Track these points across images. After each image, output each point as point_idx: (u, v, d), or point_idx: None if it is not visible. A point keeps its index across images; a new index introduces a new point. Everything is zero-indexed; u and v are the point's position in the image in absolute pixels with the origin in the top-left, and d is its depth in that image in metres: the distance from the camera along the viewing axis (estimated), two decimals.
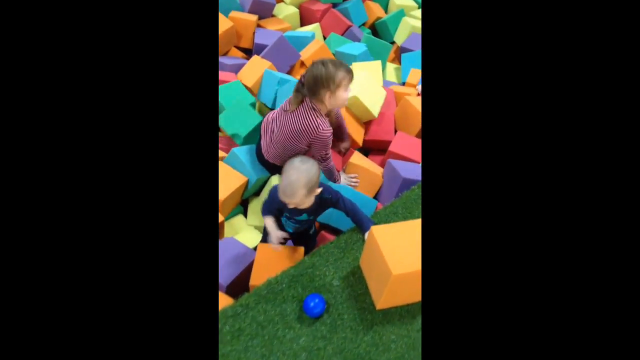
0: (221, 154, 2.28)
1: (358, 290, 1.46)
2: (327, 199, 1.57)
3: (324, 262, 1.53)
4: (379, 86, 2.52)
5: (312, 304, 1.36)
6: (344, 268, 1.52)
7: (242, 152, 2.20)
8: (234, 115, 2.41)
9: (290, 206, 1.51)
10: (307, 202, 1.48)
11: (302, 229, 1.74)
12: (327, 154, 1.94)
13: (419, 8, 3.82)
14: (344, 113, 2.33)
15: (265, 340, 1.32)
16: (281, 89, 2.58)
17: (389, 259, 1.30)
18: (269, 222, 1.62)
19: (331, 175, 2.04)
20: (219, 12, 3.04)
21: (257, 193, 2.29)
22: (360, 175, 2.14)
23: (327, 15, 3.44)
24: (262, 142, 2.05)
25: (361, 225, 1.59)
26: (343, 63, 1.78)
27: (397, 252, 1.31)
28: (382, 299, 1.37)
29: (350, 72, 1.78)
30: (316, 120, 1.81)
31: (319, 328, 1.36)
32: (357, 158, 2.20)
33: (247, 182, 2.11)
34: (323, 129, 1.82)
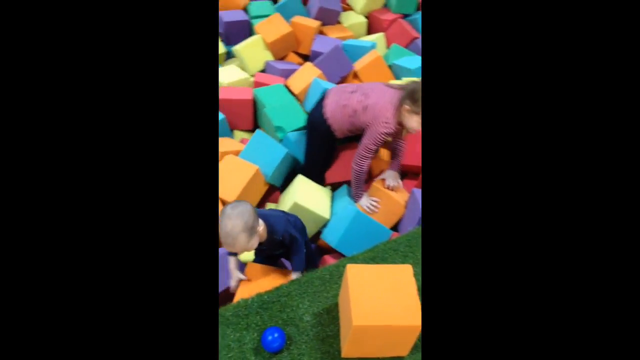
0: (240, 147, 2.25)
1: (328, 331, 1.32)
2: (279, 241, 1.53)
3: (300, 293, 1.41)
4: None
5: (270, 338, 1.25)
6: (320, 303, 1.39)
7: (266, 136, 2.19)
8: (284, 109, 2.41)
9: (239, 254, 1.51)
10: (254, 244, 1.42)
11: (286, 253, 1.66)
12: (368, 151, 1.86)
13: None
14: None
15: None
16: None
17: (355, 306, 1.14)
18: (231, 263, 1.59)
19: (356, 184, 1.93)
20: (281, 16, 3.03)
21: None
22: (383, 202, 1.98)
23: (393, 25, 3.28)
24: (334, 103, 2.02)
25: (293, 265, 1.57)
26: None
27: (367, 299, 1.15)
28: (346, 347, 1.22)
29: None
30: (388, 112, 1.81)
31: None
32: (382, 182, 2.04)
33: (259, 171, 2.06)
34: (386, 122, 1.81)
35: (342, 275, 1.45)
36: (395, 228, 2.01)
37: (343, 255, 1.83)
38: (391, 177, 2.04)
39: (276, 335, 1.25)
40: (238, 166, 2.03)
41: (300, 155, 2.28)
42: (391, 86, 1.93)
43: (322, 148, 2.16)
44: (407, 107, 1.78)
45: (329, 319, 1.35)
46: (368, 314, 1.12)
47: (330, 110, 2.01)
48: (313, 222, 1.97)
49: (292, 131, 2.36)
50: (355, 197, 1.99)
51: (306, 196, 1.96)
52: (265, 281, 1.57)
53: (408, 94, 1.78)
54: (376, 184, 2.02)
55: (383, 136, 1.84)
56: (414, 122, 1.79)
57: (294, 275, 1.56)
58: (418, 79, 1.92)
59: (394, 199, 1.96)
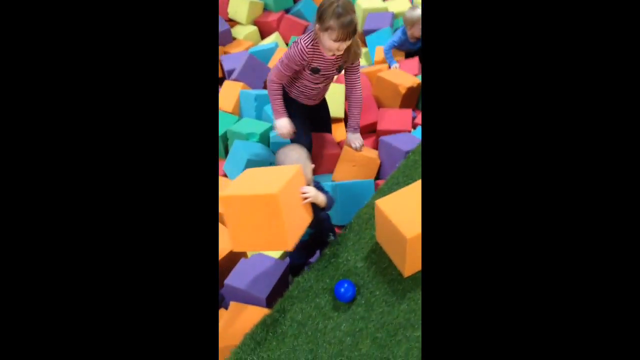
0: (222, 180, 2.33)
1: (382, 264, 1.50)
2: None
3: (343, 249, 1.58)
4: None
5: (342, 290, 1.41)
6: (363, 249, 1.56)
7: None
8: (245, 124, 2.53)
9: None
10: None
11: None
12: (282, 66, 1.93)
13: None
14: None
15: (309, 336, 1.36)
16: (261, 103, 2.64)
17: (400, 225, 1.33)
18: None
19: (272, 102, 2.03)
20: None
21: None
22: (357, 162, 2.18)
23: (282, 22, 3.51)
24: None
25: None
26: (347, 17, 1.72)
27: (406, 216, 1.35)
28: (407, 266, 1.41)
29: (342, 29, 1.72)
30: (304, 37, 1.87)
31: (355, 310, 1.40)
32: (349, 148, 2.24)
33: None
34: (297, 42, 1.87)
35: (368, 222, 1.64)
36: (378, 178, 2.23)
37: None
38: (353, 139, 2.13)
39: (346, 285, 1.41)
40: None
41: None
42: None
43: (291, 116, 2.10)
44: (317, 26, 1.78)
45: (377, 256, 1.53)
46: (413, 225, 1.32)
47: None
48: None
49: (262, 132, 2.46)
50: (275, 115, 2.06)
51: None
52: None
53: (317, 16, 1.78)
54: (345, 150, 2.21)
55: (293, 55, 1.87)
56: (326, 40, 1.77)
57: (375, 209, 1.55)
58: None
59: (366, 156, 2.17)
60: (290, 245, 1.32)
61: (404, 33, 2.83)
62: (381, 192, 1.73)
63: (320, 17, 1.77)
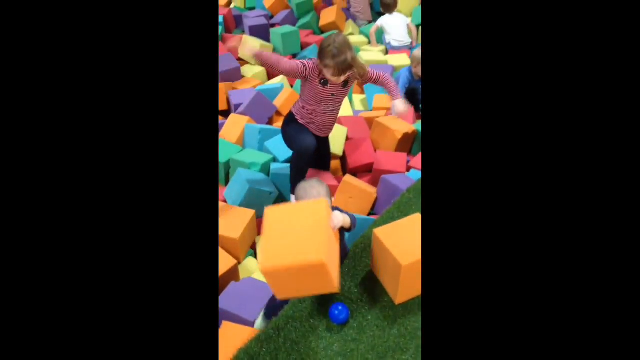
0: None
1: (376, 291, 1.58)
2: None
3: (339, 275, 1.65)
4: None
5: (336, 312, 1.47)
6: (358, 276, 1.64)
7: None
8: (247, 154, 2.64)
9: None
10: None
11: None
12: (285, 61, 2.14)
13: (369, 42, 4.16)
14: None
15: (301, 354, 1.41)
16: (264, 137, 2.78)
17: (396, 252, 1.43)
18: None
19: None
20: None
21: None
22: (354, 194, 2.28)
23: None
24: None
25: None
26: (341, 57, 1.94)
27: (402, 245, 1.44)
28: (399, 293, 1.49)
29: (337, 67, 1.95)
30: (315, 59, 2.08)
31: (347, 332, 1.46)
32: (350, 178, 2.35)
33: (255, 214, 2.22)
34: (312, 59, 2.11)
35: (364, 251, 1.73)
36: (374, 214, 2.34)
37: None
38: (398, 104, 2.27)
39: (340, 308, 1.48)
40: (231, 213, 2.21)
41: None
42: None
43: (295, 130, 2.28)
44: (318, 61, 2.03)
45: (371, 284, 1.61)
46: (409, 253, 1.42)
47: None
48: None
49: (263, 163, 2.59)
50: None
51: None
52: None
53: (318, 52, 2.02)
54: (345, 179, 2.32)
55: (297, 65, 2.08)
56: (328, 73, 2.01)
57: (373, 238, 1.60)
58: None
59: (364, 190, 2.29)
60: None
61: (410, 72, 3.07)
62: (377, 225, 1.84)
63: (319, 54, 2.01)
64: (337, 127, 2.59)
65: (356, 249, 1.74)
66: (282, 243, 1.21)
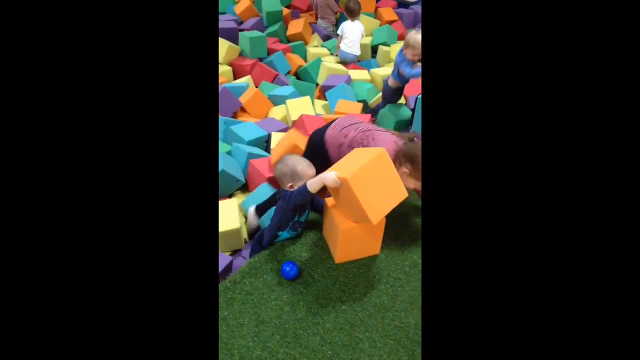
0: None
1: (322, 255, 1.81)
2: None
3: (291, 241, 1.87)
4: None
5: (287, 268, 1.69)
6: (308, 242, 1.87)
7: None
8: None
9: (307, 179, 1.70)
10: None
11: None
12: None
13: (331, 54, 4.47)
14: None
15: (254, 302, 1.61)
16: (227, 127, 2.97)
17: (337, 218, 1.67)
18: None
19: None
20: None
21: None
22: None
23: (255, 68, 3.95)
24: (336, 131, 2.13)
25: None
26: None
27: (346, 209, 1.67)
28: (338, 254, 1.73)
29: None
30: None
31: (296, 287, 1.67)
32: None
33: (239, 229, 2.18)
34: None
35: (317, 222, 1.96)
36: None
37: None
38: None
39: (291, 265, 1.69)
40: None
41: None
42: (395, 134, 1.96)
43: (314, 157, 2.01)
44: (405, 170, 1.80)
45: (318, 249, 1.84)
46: (346, 220, 1.66)
47: (331, 135, 2.15)
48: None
49: None
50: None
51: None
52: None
53: (409, 157, 1.79)
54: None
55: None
56: (411, 183, 1.82)
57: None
58: (418, 143, 1.85)
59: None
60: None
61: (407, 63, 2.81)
62: None
63: (414, 162, 1.79)
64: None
65: (309, 222, 1.97)
66: (349, 165, 1.60)
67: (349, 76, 3.90)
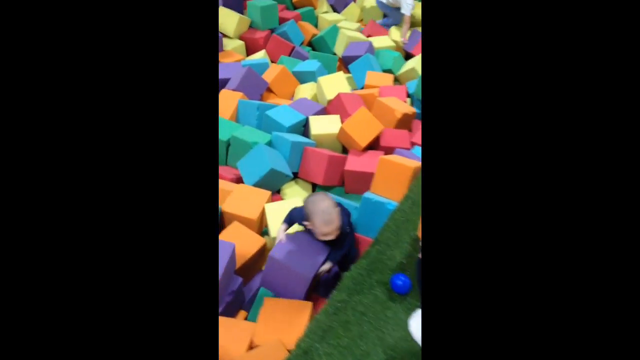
0: (228, 186, 2.33)
1: None
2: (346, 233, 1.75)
3: (386, 248, 1.72)
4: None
5: (400, 282, 1.55)
6: (403, 247, 1.73)
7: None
8: (248, 132, 2.58)
9: (329, 237, 1.67)
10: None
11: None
12: None
13: (346, 19, 4.18)
14: None
15: (372, 324, 1.47)
16: (262, 112, 2.72)
17: None
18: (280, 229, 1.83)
19: None
20: None
21: None
22: (391, 171, 2.08)
23: (270, 41, 3.64)
24: None
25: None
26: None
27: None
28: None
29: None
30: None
31: (410, 301, 1.54)
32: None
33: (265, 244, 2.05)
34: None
35: (405, 222, 1.81)
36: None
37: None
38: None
39: (403, 278, 1.56)
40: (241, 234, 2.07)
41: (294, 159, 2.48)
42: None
43: None
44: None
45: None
46: None
47: None
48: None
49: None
50: None
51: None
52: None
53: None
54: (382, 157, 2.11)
55: None
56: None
57: (327, 266, 1.74)
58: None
59: (402, 164, 2.03)
60: None
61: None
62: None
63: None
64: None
65: (395, 222, 1.82)
66: None
67: (370, 44, 3.65)
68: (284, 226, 1.84)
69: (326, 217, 1.63)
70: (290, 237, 1.78)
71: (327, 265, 1.75)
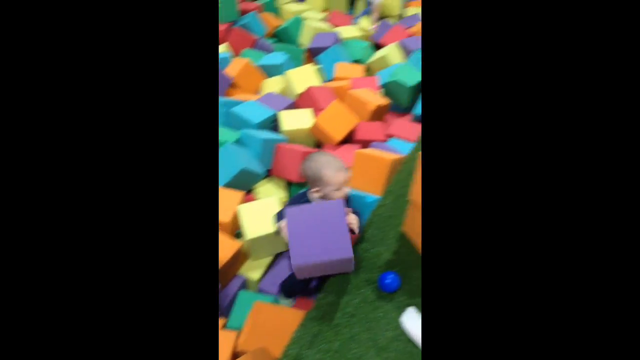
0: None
1: (412, 256, 1.63)
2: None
3: (371, 245, 1.67)
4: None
5: (388, 281, 1.49)
6: (390, 244, 1.67)
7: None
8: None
9: (346, 190, 1.53)
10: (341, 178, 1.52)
11: None
12: None
13: (310, 9, 4.08)
14: None
15: (363, 326, 1.41)
16: (229, 110, 2.60)
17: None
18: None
19: None
20: None
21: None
22: (368, 164, 2.01)
23: (232, 34, 3.49)
24: None
25: None
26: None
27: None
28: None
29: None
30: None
31: (399, 299, 1.49)
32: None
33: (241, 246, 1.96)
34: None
35: (389, 218, 1.76)
36: None
37: None
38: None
39: (392, 276, 1.50)
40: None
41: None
42: None
43: None
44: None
45: (405, 250, 1.65)
46: None
47: None
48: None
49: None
50: None
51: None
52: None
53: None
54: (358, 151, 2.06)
55: None
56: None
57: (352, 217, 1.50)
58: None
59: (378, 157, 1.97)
60: None
61: None
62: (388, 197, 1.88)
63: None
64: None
65: (379, 217, 1.77)
66: None
67: (337, 34, 3.58)
68: (282, 222, 1.48)
69: (337, 163, 1.49)
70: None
71: (352, 217, 1.48)
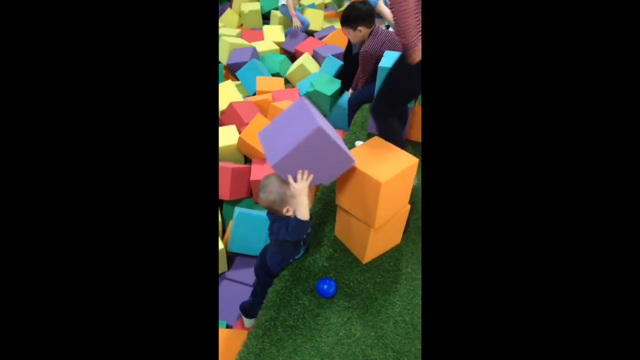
0: None
1: (346, 259, 1.67)
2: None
3: (305, 253, 1.69)
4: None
5: (325, 287, 1.52)
6: (323, 249, 1.70)
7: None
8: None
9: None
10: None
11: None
12: None
13: (224, 26, 4.06)
14: None
15: (306, 335, 1.42)
16: None
17: (364, 214, 1.52)
18: None
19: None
20: None
21: None
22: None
23: None
24: None
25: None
26: None
27: (365, 205, 1.52)
28: (366, 254, 1.61)
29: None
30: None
31: (338, 303, 1.52)
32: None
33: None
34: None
35: (320, 225, 1.79)
36: None
37: None
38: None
39: (328, 281, 1.53)
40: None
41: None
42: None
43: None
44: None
45: (339, 254, 1.69)
46: (378, 216, 1.54)
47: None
48: None
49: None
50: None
51: None
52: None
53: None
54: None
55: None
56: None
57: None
58: None
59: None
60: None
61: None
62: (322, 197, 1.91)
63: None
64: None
65: (312, 225, 1.79)
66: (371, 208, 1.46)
67: (254, 49, 3.59)
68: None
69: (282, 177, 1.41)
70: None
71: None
